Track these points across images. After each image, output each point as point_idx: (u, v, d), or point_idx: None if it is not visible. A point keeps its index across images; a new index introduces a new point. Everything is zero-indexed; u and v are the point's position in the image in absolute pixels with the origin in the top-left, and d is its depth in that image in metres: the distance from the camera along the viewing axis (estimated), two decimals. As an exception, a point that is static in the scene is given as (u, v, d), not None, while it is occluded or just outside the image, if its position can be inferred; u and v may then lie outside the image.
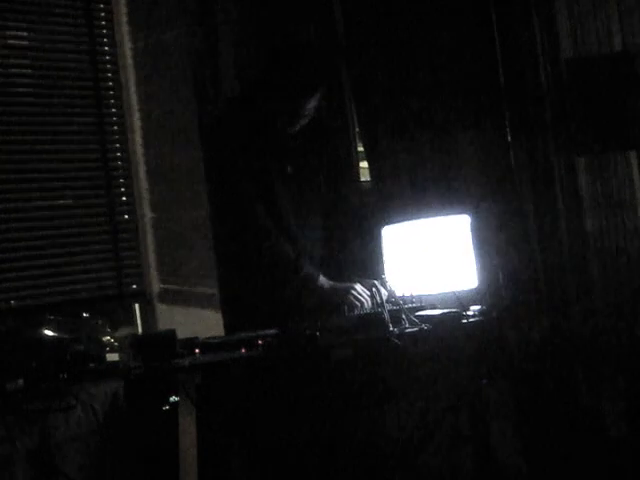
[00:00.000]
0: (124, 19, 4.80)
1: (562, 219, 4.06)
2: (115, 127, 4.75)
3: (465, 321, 3.36)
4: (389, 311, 3.34)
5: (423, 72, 4.29)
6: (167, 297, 4.76)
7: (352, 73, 4.55)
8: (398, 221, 3.81)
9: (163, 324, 4.64)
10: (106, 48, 4.75)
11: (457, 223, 3.64)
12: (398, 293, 3.55)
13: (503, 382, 3.60)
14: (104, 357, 3.53)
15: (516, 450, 3.61)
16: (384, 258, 3.78)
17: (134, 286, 4.73)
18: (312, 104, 3.69)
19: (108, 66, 4.76)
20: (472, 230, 3.60)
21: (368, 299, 3.62)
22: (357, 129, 4.58)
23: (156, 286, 4.78)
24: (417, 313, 3.39)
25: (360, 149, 4.57)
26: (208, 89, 4.59)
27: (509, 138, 4.10)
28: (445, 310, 3.38)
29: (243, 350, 3.22)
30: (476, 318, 3.40)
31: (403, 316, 3.36)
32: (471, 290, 3.55)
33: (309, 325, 3.33)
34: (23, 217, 4.40)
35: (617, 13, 3.99)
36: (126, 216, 4.75)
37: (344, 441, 3.58)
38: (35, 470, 3.07)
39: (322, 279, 3.71)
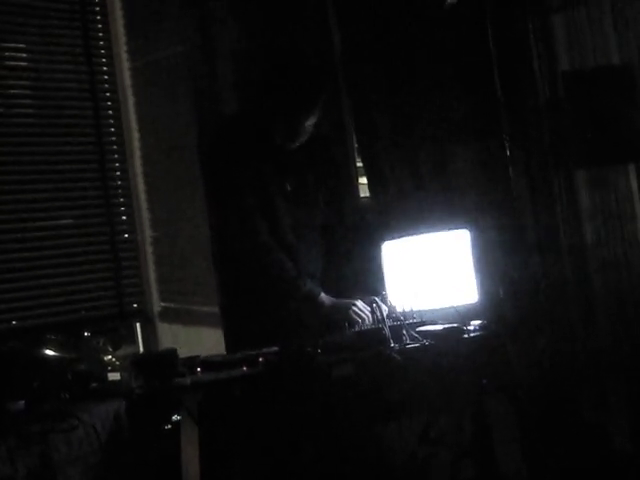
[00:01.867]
0: (122, 38, 4.82)
1: (561, 232, 4.06)
2: (114, 146, 4.76)
3: (466, 336, 3.36)
4: (390, 327, 3.34)
5: (421, 87, 4.30)
6: (168, 316, 4.76)
7: (350, 88, 4.56)
8: (398, 237, 3.81)
9: (164, 343, 4.64)
10: (104, 67, 4.76)
11: (457, 238, 3.65)
12: (399, 309, 3.55)
13: (505, 397, 3.58)
14: (106, 377, 3.53)
15: (519, 465, 3.59)
16: (384, 274, 3.78)
17: (135, 305, 4.73)
18: (311, 120, 3.70)
19: (107, 85, 4.77)
20: (472, 245, 3.61)
21: (369, 315, 3.62)
22: (356, 145, 4.59)
23: (157, 305, 4.78)
24: (418, 328, 3.39)
25: (359, 165, 4.58)
26: (207, 106, 4.60)
27: (507, 152, 4.10)
28: (446, 325, 3.38)
29: (244, 368, 3.22)
30: (477, 333, 3.39)
31: (404, 332, 3.36)
32: (471, 305, 3.55)
33: (310, 342, 3.33)
34: (23, 237, 4.40)
35: (613, 26, 3.99)
36: (126, 235, 4.75)
37: (346, 458, 3.57)
38: (37, 491, 3.07)
39: (323, 296, 3.71)
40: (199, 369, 3.27)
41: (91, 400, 3.38)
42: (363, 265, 3.88)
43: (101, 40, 4.76)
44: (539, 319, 3.95)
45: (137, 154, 4.81)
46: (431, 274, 3.67)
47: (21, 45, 4.56)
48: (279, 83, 3.71)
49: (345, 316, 3.64)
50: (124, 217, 4.76)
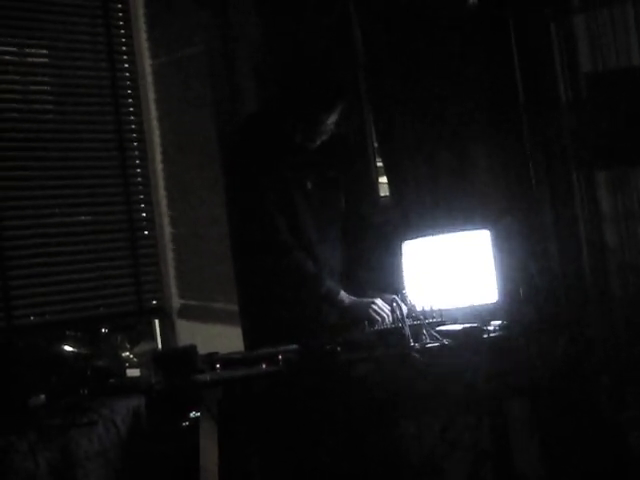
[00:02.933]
0: (143, 36, 4.83)
1: (582, 233, 4.04)
2: (135, 143, 4.77)
3: (486, 336, 3.35)
4: (410, 326, 3.34)
5: (441, 87, 4.28)
6: (187, 312, 4.77)
7: (370, 88, 4.55)
8: (418, 236, 3.81)
9: (183, 340, 4.65)
10: (125, 65, 4.78)
11: (477, 238, 3.64)
12: (418, 308, 3.55)
13: (524, 397, 3.57)
14: (124, 373, 3.54)
15: (538, 465, 3.58)
16: (404, 273, 3.78)
17: (154, 302, 4.74)
18: (332, 119, 3.70)
19: (127, 83, 4.78)
20: (492, 245, 3.60)
21: (389, 314, 3.61)
22: (376, 144, 4.58)
23: (176, 302, 4.79)
24: (438, 328, 3.39)
25: (379, 164, 4.57)
26: (227, 105, 4.61)
27: (528, 152, 4.09)
28: (466, 325, 3.37)
29: (264, 365, 3.22)
30: (497, 333, 3.39)
31: (424, 331, 3.36)
32: (491, 305, 3.55)
33: (330, 340, 3.33)
34: (43, 233, 4.42)
35: (635, 27, 3.98)
36: (146, 232, 4.77)
37: (365, 456, 3.57)
38: (57, 485, 3.08)
39: (343, 294, 3.71)
40: (218, 366, 3.27)
41: (110, 396, 3.39)
42: (383, 264, 3.88)
43: (122, 37, 4.78)
44: (559, 320, 3.93)
45: (157, 151, 4.83)
46: (451, 274, 3.67)
47: (42, 41, 4.58)
48: (300, 82, 3.72)
49: (365, 315, 3.63)
50: (144, 214, 4.77)
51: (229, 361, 3.31)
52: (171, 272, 4.81)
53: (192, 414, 3.40)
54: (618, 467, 3.77)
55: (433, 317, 3.48)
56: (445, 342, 3.31)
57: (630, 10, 3.98)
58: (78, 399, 3.34)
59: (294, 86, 3.72)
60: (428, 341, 3.33)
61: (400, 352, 3.26)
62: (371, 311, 3.66)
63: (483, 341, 3.33)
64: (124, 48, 4.78)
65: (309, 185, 3.81)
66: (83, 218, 4.60)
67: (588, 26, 4.06)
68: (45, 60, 4.61)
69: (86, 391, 3.47)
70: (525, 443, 3.57)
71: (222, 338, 4.38)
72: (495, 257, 3.59)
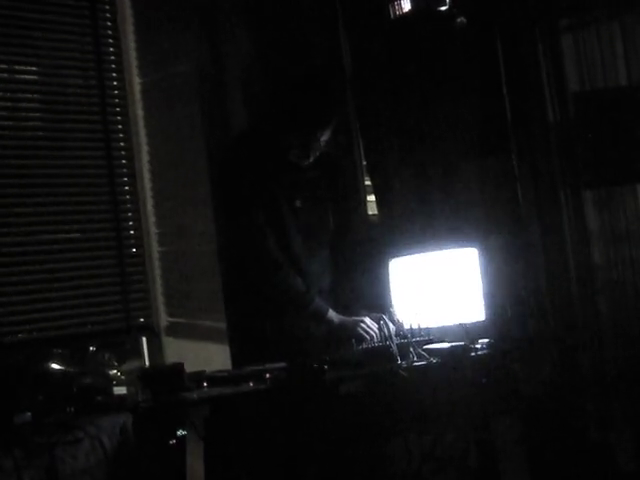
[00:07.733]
0: (133, 54, 4.83)
1: (569, 252, 4.06)
2: (123, 161, 4.76)
3: (473, 354, 3.35)
4: (397, 344, 3.34)
5: (430, 106, 4.30)
6: (174, 330, 4.76)
7: (359, 106, 4.57)
8: (405, 254, 3.81)
9: (170, 357, 4.63)
10: (115, 83, 4.77)
11: (465, 256, 3.64)
12: (406, 326, 3.55)
13: (511, 415, 3.57)
14: (111, 390, 3.53)
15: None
16: (392, 291, 3.78)
17: (141, 319, 4.72)
18: (326, 135, 3.70)
19: (116, 100, 4.77)
20: (480, 262, 3.60)
21: (376, 332, 3.62)
22: (364, 163, 4.59)
23: (164, 319, 4.77)
24: (425, 346, 3.39)
25: (368, 183, 4.58)
26: (216, 122, 4.61)
27: (516, 171, 4.11)
28: (453, 343, 3.37)
29: (251, 384, 3.22)
30: (484, 351, 3.39)
31: (411, 349, 3.36)
32: (479, 323, 3.55)
33: (317, 358, 3.32)
34: (30, 250, 4.40)
35: (622, 47, 4.01)
36: (134, 249, 4.75)
37: (353, 474, 3.56)
38: (42, 503, 3.06)
39: (331, 312, 3.71)
40: (205, 384, 3.27)
41: (97, 414, 3.38)
42: (371, 282, 3.88)
43: (111, 55, 4.77)
44: (546, 338, 3.94)
45: (146, 168, 4.82)
46: (438, 292, 3.67)
47: (31, 59, 4.57)
48: (294, 98, 3.71)
49: (353, 333, 3.64)
50: (132, 232, 4.76)
51: (216, 379, 3.31)
52: (159, 289, 4.79)
53: (179, 432, 3.38)
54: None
55: (420, 335, 3.49)
56: (432, 360, 3.31)
57: (617, 30, 4.01)
58: (64, 417, 3.32)
59: (288, 103, 3.72)
60: (415, 359, 3.33)
61: (388, 370, 3.26)
62: (359, 329, 3.66)
63: (470, 359, 3.33)
64: (113, 66, 4.77)
65: (298, 203, 3.81)
66: (70, 235, 4.58)
67: (575, 46, 4.09)
68: (34, 77, 4.60)
69: (72, 409, 3.44)
70: (512, 460, 3.56)
71: (209, 356, 4.37)
72: (483, 275, 3.59)
